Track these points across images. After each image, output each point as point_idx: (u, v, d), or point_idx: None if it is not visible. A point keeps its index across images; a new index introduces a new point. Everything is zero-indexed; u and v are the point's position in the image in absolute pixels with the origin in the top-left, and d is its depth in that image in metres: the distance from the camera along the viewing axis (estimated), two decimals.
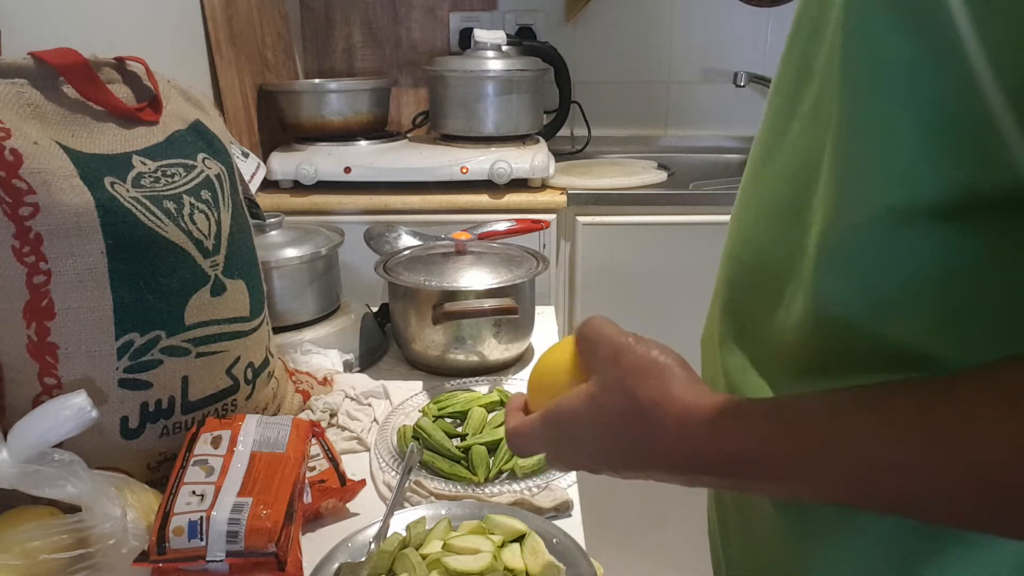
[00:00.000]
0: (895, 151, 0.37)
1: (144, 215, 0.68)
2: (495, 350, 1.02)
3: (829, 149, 0.42)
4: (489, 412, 0.89)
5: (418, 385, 0.99)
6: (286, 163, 1.55)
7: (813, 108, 0.45)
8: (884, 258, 0.40)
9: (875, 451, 0.37)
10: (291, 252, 1.03)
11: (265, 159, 1.56)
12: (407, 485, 0.76)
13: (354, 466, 0.81)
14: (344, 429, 0.88)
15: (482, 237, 1.19)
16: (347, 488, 0.74)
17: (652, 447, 0.44)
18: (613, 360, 0.46)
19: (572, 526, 0.72)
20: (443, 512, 0.70)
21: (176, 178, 0.73)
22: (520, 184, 1.57)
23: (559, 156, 1.80)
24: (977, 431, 0.34)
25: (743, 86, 2.00)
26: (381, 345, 1.13)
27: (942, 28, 0.33)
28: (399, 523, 0.69)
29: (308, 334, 1.04)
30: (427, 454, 0.80)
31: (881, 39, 0.36)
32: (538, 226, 1.28)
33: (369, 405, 0.93)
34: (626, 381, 0.45)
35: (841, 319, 0.43)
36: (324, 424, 0.88)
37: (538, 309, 1.14)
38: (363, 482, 0.76)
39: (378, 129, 1.73)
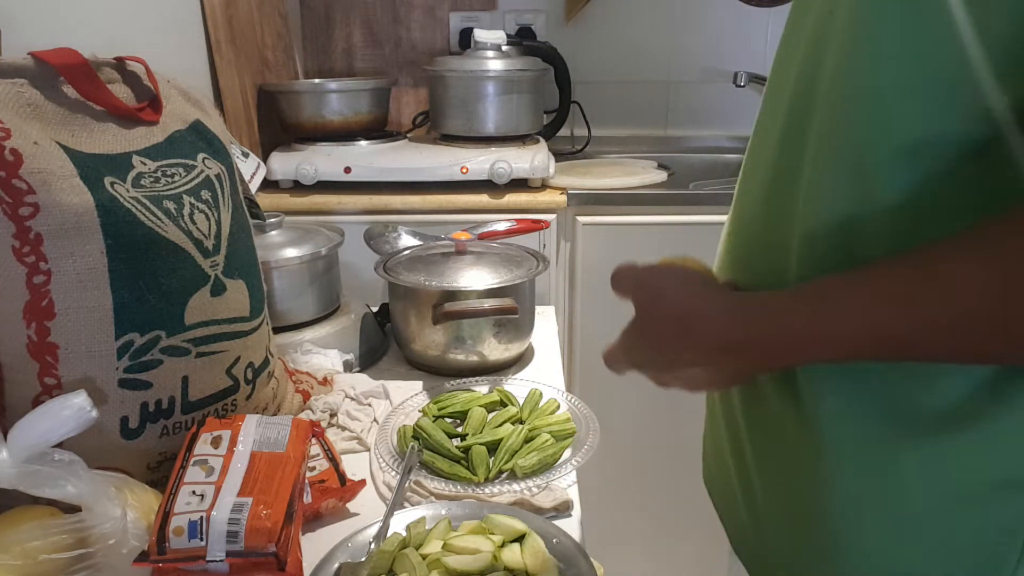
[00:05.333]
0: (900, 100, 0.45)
1: (144, 215, 0.68)
2: (495, 350, 1.02)
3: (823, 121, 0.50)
4: (489, 412, 0.89)
5: (418, 385, 0.99)
6: (286, 163, 1.55)
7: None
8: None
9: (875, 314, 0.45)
10: (291, 252, 1.03)
11: (265, 159, 1.56)
12: (407, 485, 0.76)
13: (354, 466, 0.81)
14: (344, 429, 0.88)
15: (482, 237, 1.19)
16: (347, 488, 0.74)
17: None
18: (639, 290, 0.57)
19: (572, 526, 0.72)
20: (443, 512, 0.70)
21: (176, 178, 0.73)
22: (520, 184, 1.57)
23: (559, 156, 1.80)
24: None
25: (743, 86, 2.00)
26: (381, 345, 1.13)
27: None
28: (399, 523, 0.69)
29: (308, 334, 1.04)
30: (427, 454, 0.80)
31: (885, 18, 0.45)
32: (538, 226, 1.28)
33: (369, 405, 0.93)
34: (652, 307, 0.56)
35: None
36: (324, 424, 0.88)
37: (538, 309, 1.14)
38: (363, 482, 0.76)
39: (378, 129, 1.73)
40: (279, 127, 1.69)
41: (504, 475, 0.79)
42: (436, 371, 1.04)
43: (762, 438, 0.61)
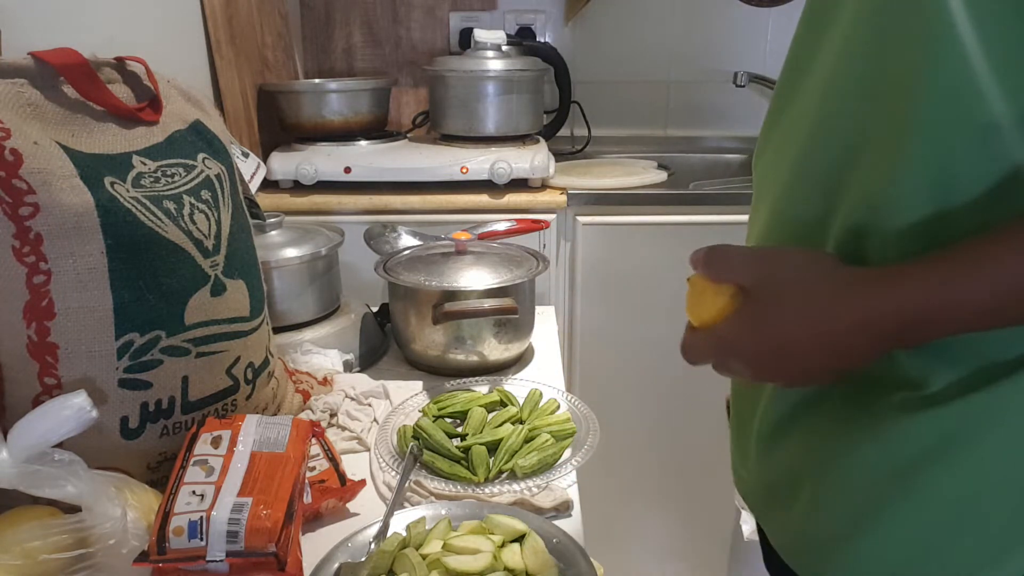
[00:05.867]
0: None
1: (144, 215, 0.68)
2: (495, 350, 1.02)
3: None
4: (489, 412, 0.89)
5: (418, 385, 0.99)
6: (286, 163, 1.55)
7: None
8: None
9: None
10: (291, 252, 1.03)
11: (265, 159, 1.56)
12: (407, 485, 0.76)
13: (354, 466, 0.81)
14: (344, 429, 0.88)
15: (482, 237, 1.19)
16: (347, 488, 0.74)
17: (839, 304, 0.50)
18: (780, 264, 0.53)
19: (572, 526, 0.72)
20: (443, 512, 0.70)
21: (176, 178, 0.73)
22: (520, 184, 1.57)
23: (559, 156, 1.80)
24: None
25: (743, 86, 2.00)
26: (381, 345, 1.13)
27: None
28: (399, 523, 0.69)
29: (308, 334, 1.04)
30: (427, 454, 0.80)
31: None
32: (538, 226, 1.28)
33: (369, 405, 0.93)
34: (800, 281, 0.52)
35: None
36: (324, 424, 0.88)
37: (538, 309, 1.14)
38: (363, 482, 0.76)
39: (378, 129, 1.73)
40: (279, 127, 1.69)
41: (504, 475, 0.79)
42: (436, 371, 1.04)
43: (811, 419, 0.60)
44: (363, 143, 1.65)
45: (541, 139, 1.75)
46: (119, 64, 0.75)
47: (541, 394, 0.92)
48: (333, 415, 0.90)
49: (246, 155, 1.07)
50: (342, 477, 0.75)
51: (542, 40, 1.97)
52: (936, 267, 0.47)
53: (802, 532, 0.60)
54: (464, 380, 0.98)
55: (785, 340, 0.51)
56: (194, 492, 0.62)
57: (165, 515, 0.60)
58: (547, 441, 0.81)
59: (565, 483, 0.78)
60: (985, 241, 0.46)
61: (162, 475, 0.71)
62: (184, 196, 0.72)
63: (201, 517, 0.60)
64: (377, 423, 0.90)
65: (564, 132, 1.96)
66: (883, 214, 0.51)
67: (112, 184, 0.67)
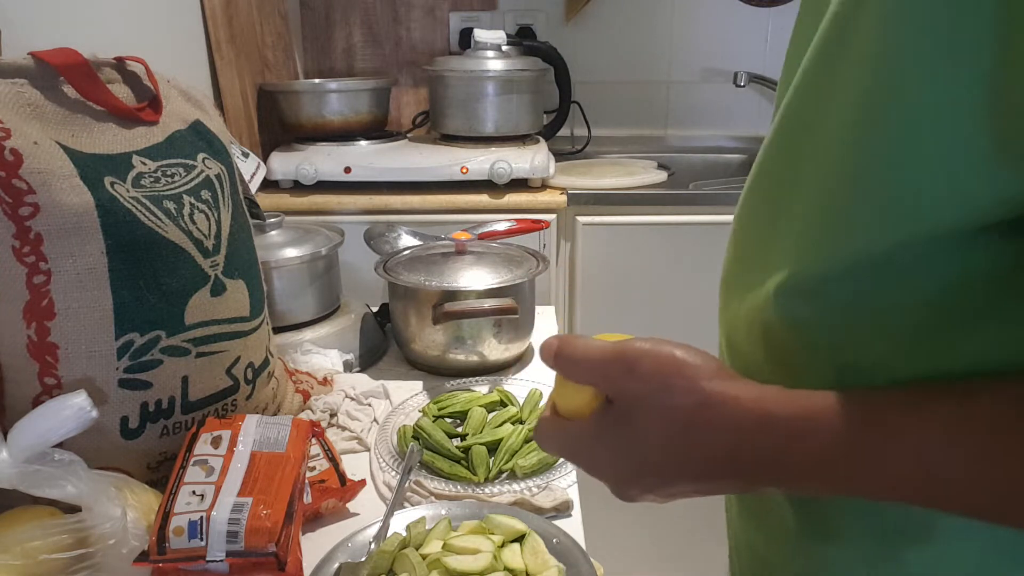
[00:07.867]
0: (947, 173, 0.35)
1: (144, 215, 0.68)
2: (495, 350, 1.02)
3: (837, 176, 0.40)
4: (489, 412, 0.89)
5: (418, 385, 0.99)
6: (286, 163, 1.55)
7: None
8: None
9: (929, 456, 0.36)
10: (291, 252, 1.03)
11: (265, 159, 1.56)
12: (407, 485, 0.76)
13: (354, 466, 0.81)
14: (344, 429, 0.88)
15: (482, 237, 1.19)
16: (347, 488, 0.74)
17: (702, 453, 0.42)
18: (627, 375, 0.43)
19: (572, 526, 0.72)
20: (443, 512, 0.70)
21: (176, 178, 0.73)
22: (520, 184, 1.57)
23: (559, 156, 1.80)
24: None
25: (743, 86, 2.00)
26: (381, 345, 1.13)
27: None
28: (399, 523, 0.69)
29: (308, 334, 1.04)
30: (427, 454, 0.80)
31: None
32: (538, 226, 1.28)
33: (369, 405, 0.93)
34: (654, 398, 0.42)
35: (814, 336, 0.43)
36: (324, 424, 0.88)
37: (538, 309, 1.14)
38: (363, 482, 0.76)
39: (378, 129, 1.73)
40: (279, 127, 1.69)
41: (504, 475, 0.79)
42: (436, 371, 1.04)
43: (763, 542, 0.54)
44: (363, 143, 1.65)
45: (541, 139, 1.75)
46: (119, 64, 0.75)
47: (541, 394, 0.92)
48: (333, 415, 0.90)
49: (246, 155, 1.07)
50: (342, 477, 0.75)
51: (542, 40, 1.97)
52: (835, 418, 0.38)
53: None
54: (464, 380, 0.98)
55: (647, 467, 0.45)
56: (194, 492, 0.62)
57: (165, 515, 0.60)
58: None
59: (565, 483, 0.78)
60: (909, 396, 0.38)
61: (162, 475, 0.71)
62: (184, 196, 0.72)
63: (201, 517, 0.60)
64: (377, 423, 0.90)
65: (564, 132, 1.97)
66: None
67: (112, 184, 0.67)
